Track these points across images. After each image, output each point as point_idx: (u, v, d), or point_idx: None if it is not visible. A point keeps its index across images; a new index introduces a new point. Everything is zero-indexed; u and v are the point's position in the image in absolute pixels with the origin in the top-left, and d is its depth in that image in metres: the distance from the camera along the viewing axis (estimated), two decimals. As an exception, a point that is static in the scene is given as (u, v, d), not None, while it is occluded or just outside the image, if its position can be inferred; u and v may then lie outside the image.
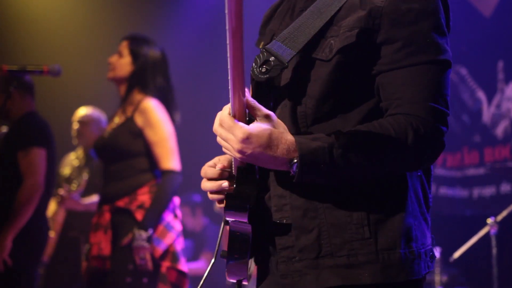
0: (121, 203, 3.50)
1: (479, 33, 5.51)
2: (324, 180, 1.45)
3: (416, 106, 1.45)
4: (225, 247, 1.58)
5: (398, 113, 1.46)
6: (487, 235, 4.16)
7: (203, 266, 6.41)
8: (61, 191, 5.02)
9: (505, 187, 5.08)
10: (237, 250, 1.52)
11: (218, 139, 1.45)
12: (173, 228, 3.52)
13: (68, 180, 5.20)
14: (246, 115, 1.42)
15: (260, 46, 1.74)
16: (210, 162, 1.61)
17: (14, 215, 3.69)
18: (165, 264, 3.45)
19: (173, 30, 7.23)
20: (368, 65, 1.50)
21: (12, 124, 3.98)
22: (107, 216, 3.54)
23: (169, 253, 3.48)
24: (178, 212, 3.62)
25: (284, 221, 1.52)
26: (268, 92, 1.53)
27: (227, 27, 1.22)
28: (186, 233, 6.94)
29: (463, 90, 5.64)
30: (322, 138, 1.43)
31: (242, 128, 1.39)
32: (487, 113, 5.39)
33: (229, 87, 1.35)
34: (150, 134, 3.53)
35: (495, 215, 4.13)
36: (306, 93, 1.51)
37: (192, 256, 6.77)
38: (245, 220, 1.47)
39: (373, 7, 1.49)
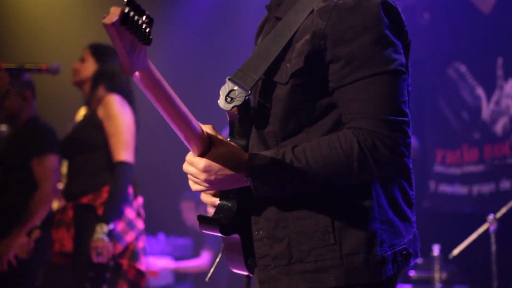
0: (85, 199, 3.53)
1: (478, 30, 5.50)
2: (277, 189, 1.56)
3: (366, 120, 1.53)
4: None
5: (350, 127, 1.55)
6: (486, 232, 4.16)
7: (206, 262, 6.39)
8: (61, 186, 5.04)
9: (504, 184, 5.08)
10: (231, 258, 1.73)
11: (189, 182, 1.59)
12: (135, 226, 3.55)
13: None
14: (207, 145, 1.54)
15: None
16: None
17: (26, 219, 3.74)
18: (124, 262, 3.47)
19: (171, 30, 7.22)
20: (322, 84, 1.59)
21: (18, 127, 3.98)
22: (70, 213, 3.57)
23: (129, 251, 3.49)
24: (142, 211, 3.66)
25: (261, 232, 1.66)
26: (245, 115, 1.67)
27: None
28: (186, 229, 6.93)
29: (463, 87, 5.63)
30: (273, 151, 1.56)
31: (201, 159, 1.53)
32: (486, 110, 5.38)
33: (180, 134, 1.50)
34: (107, 126, 3.59)
35: (495, 212, 4.12)
36: (271, 114, 1.63)
37: (193, 253, 6.75)
38: (218, 233, 1.62)
39: (316, 29, 1.57)
